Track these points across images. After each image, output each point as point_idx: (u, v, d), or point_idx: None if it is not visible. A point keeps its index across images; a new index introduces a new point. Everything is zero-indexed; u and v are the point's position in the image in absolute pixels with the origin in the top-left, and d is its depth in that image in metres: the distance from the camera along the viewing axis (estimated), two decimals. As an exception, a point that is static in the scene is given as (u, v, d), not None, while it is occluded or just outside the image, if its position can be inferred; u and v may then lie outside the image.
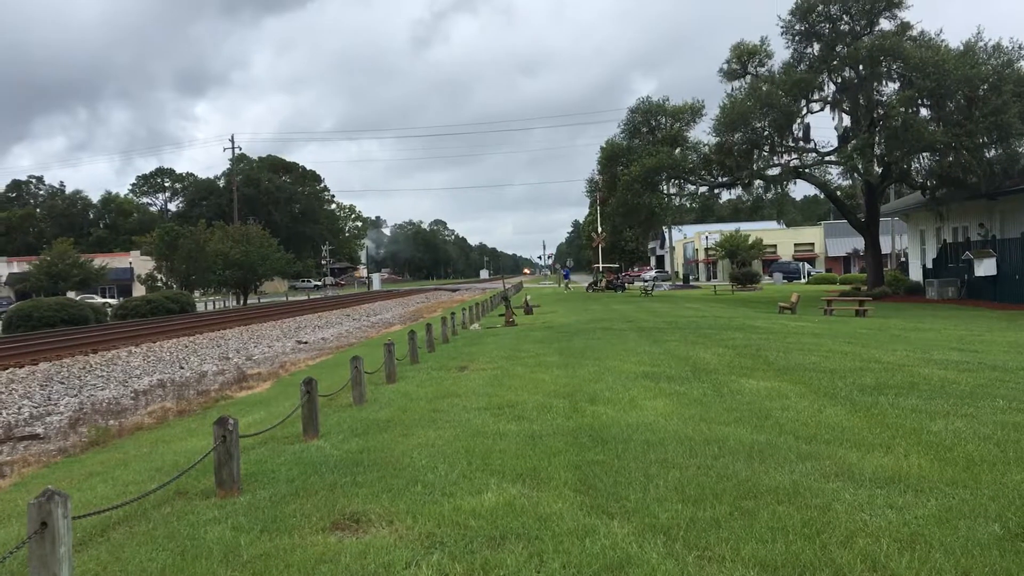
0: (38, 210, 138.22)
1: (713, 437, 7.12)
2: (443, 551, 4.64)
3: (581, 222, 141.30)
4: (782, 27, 39.88)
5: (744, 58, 41.52)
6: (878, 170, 37.53)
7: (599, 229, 67.08)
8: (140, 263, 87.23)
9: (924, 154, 36.41)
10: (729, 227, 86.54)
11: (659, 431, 7.45)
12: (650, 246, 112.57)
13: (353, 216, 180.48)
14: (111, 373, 19.11)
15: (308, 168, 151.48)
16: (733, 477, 5.81)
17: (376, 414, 9.42)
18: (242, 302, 67.99)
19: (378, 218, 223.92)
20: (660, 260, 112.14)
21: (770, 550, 4.38)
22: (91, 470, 8.40)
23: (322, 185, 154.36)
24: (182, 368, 20.13)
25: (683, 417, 8.14)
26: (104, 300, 67.16)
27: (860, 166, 36.53)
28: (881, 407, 8.38)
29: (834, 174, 40.16)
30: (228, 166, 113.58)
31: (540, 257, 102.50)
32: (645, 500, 5.36)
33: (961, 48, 34.55)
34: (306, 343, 26.33)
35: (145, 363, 21.18)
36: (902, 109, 35.12)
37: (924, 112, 36.36)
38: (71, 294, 65.02)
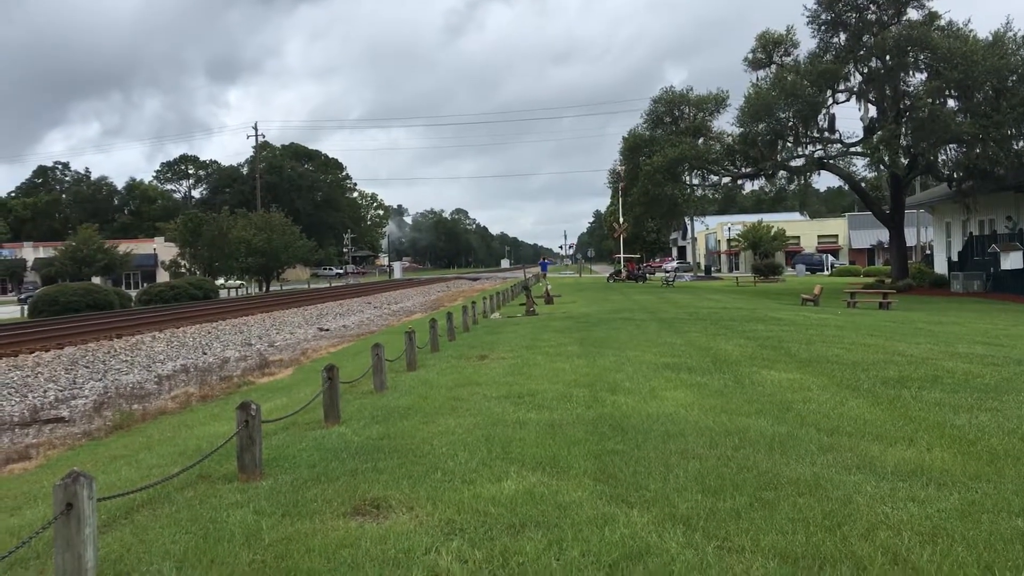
0: (63, 196, 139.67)
1: (734, 428, 7.10)
2: (463, 537, 4.65)
3: (603, 212, 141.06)
4: (808, 16, 39.45)
5: (769, 47, 41.15)
6: (904, 161, 37.13)
7: (620, 220, 66.91)
8: (164, 249, 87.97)
9: (951, 146, 35.98)
10: (751, 218, 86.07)
11: (679, 422, 7.44)
12: (671, 237, 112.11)
13: (375, 204, 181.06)
14: (135, 358, 19.30)
15: (331, 156, 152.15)
16: (754, 468, 5.79)
17: (397, 401, 9.45)
18: (264, 289, 68.43)
19: (399, 206, 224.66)
20: (682, 251, 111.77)
21: (790, 541, 4.36)
22: (115, 453, 8.50)
23: (344, 173, 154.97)
24: (204, 354, 20.31)
25: (704, 408, 8.12)
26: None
27: (886, 158, 36.16)
28: (904, 400, 8.32)
29: (859, 165, 39.81)
30: (252, 154, 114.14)
31: (561, 247, 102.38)
32: (665, 490, 5.35)
33: (990, 38, 34.06)
34: (328, 330, 26.48)
35: (168, 348, 21.39)
36: (929, 100, 34.72)
37: (951, 103, 35.93)
38: (96, 279, 65.73)
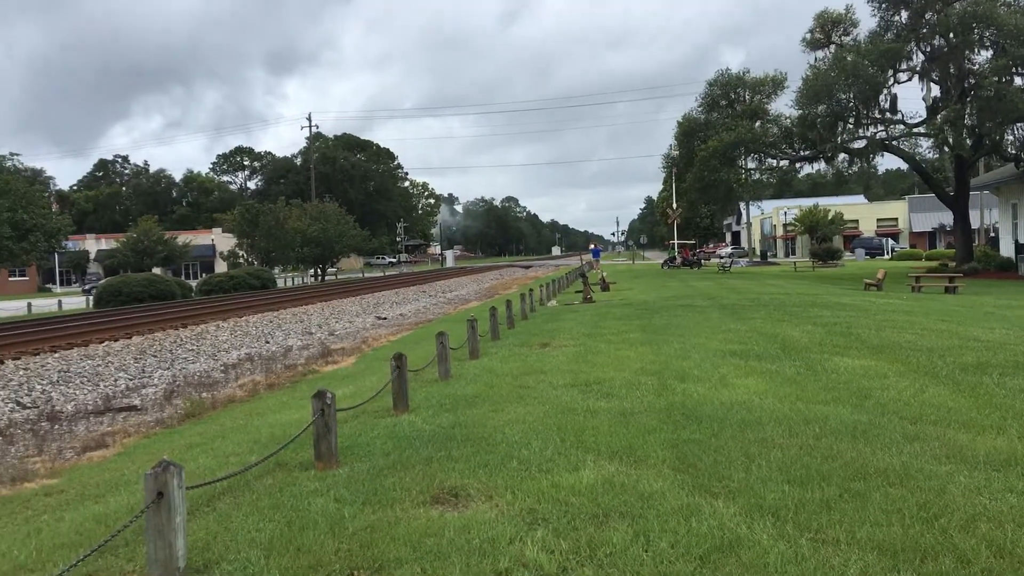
0: (124, 188, 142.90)
1: (812, 417, 6.95)
2: (546, 527, 4.61)
3: (655, 198, 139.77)
4: (868, -6, 38.55)
5: (828, 27, 40.32)
6: (969, 142, 36.11)
7: (674, 205, 66.24)
8: (221, 240, 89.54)
9: (1018, 125, 34.91)
10: (807, 202, 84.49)
11: (755, 410, 7.30)
12: (725, 222, 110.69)
13: (426, 193, 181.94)
14: (201, 347, 19.64)
15: (382, 146, 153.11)
16: (838, 458, 5.65)
17: (463, 389, 9.45)
18: (320, 279, 69.25)
19: (450, 195, 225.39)
20: (735, 236, 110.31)
21: (887, 533, 4.24)
22: (190, 441, 8.63)
23: (396, 163, 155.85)
24: (267, 343, 20.59)
25: (778, 396, 7.97)
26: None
27: (951, 138, 35.21)
28: (987, 387, 8.06)
29: (924, 147, 38.80)
30: (305, 145, 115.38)
31: (614, 234, 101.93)
32: (749, 480, 5.25)
33: (1058, 14, 32.94)
34: (385, 319, 26.67)
35: (232, 337, 21.73)
36: (995, 78, 33.69)
37: (1018, 81, 34.84)
38: (156, 270, 67.18)
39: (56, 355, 18.43)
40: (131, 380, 15.02)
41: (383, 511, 5.10)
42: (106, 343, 20.48)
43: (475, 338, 12.88)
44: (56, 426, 11.11)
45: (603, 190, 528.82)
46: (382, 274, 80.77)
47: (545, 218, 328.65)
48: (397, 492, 5.46)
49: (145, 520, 4.22)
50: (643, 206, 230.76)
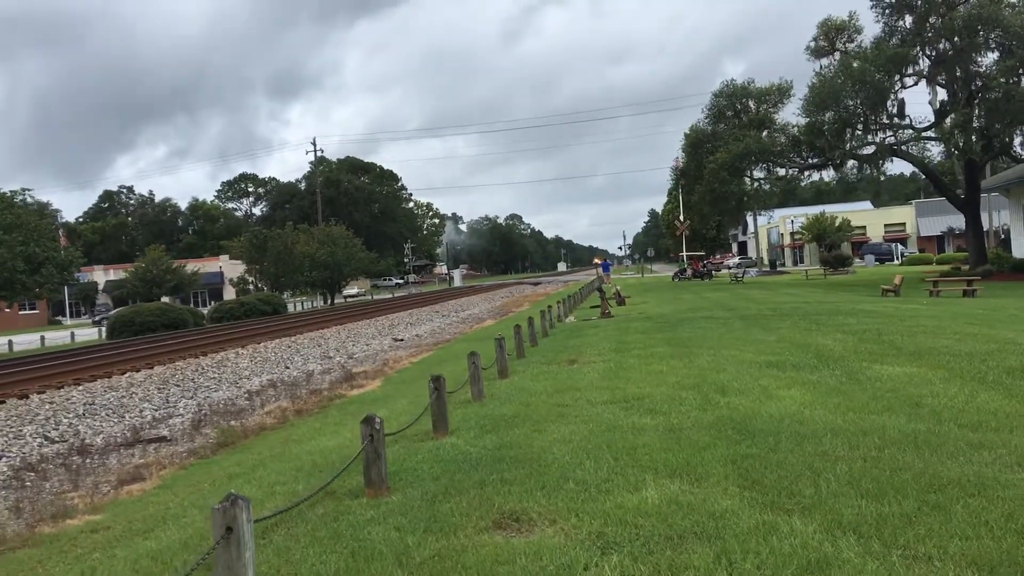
0: (129, 219, 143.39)
1: (868, 427, 6.81)
2: (620, 552, 4.48)
3: (659, 212, 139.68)
4: (872, 0, 38.57)
5: (832, 34, 40.37)
6: (978, 145, 36.00)
7: (681, 217, 66.17)
8: (229, 267, 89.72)
9: (1028, 125, 34.83)
10: (813, 210, 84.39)
11: (807, 422, 7.17)
12: (731, 232, 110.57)
13: (431, 214, 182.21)
14: (222, 375, 19.55)
15: (386, 168, 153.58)
16: (907, 469, 5.51)
17: (499, 410, 9.32)
18: (330, 302, 69.21)
19: (454, 214, 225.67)
20: (742, 246, 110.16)
21: (980, 547, 4.10)
22: (229, 471, 8.51)
23: (400, 184, 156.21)
24: (287, 368, 20.48)
25: (827, 407, 7.83)
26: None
27: (960, 142, 35.12)
28: (1039, 391, 7.92)
29: (933, 151, 38.69)
30: (309, 169, 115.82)
31: (620, 248, 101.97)
32: (820, 496, 5.11)
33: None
34: (402, 340, 26.56)
35: (252, 364, 21.63)
36: (1002, 80, 33.63)
37: (1026, 82, 34.77)
38: (165, 299, 67.21)
39: (80, 387, 18.36)
40: (156, 411, 14.92)
41: (446, 539, 4.97)
42: (128, 374, 20.41)
43: (503, 357, 12.75)
44: (87, 460, 10.99)
45: (606, 204, 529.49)
46: (391, 296, 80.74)
47: (549, 234, 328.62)
48: (456, 518, 5.33)
49: (215, 557, 4.11)
50: (647, 219, 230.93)
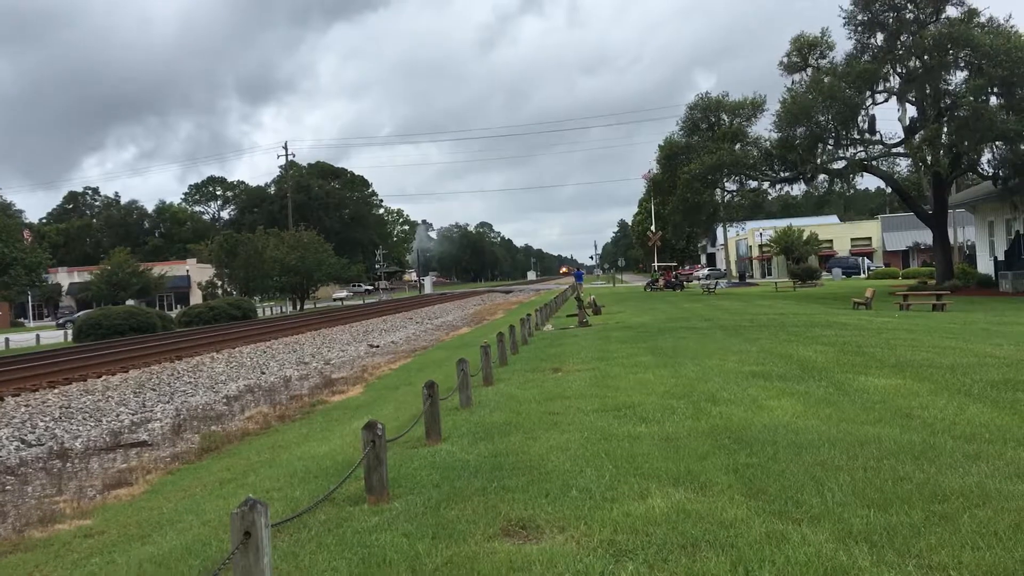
0: (94, 221, 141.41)
1: (863, 438, 6.89)
2: (636, 560, 4.49)
3: (629, 222, 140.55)
4: (844, 17, 39.17)
5: (805, 50, 40.90)
6: (946, 161, 36.65)
7: (653, 228, 66.62)
8: (197, 270, 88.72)
9: (996, 143, 35.48)
10: (781, 223, 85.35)
11: (802, 432, 7.24)
12: (700, 244, 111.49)
13: (401, 220, 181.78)
14: (198, 380, 19.32)
15: (356, 174, 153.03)
16: (909, 480, 5.59)
17: (489, 417, 9.31)
18: (299, 307, 68.73)
19: (424, 221, 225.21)
20: (711, 258, 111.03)
21: (993, 557, 4.16)
22: (220, 477, 8.41)
23: (370, 190, 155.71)
24: (263, 373, 20.30)
25: (819, 417, 7.91)
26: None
27: (928, 158, 35.74)
28: (1025, 404, 8.07)
29: (902, 166, 39.32)
30: (279, 173, 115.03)
31: (591, 257, 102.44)
32: (827, 505, 5.16)
33: (1033, 34, 33.62)
34: (378, 347, 26.44)
35: (228, 369, 21.41)
36: (971, 98, 34.26)
37: (994, 100, 35.44)
38: (130, 302, 66.30)
39: (56, 391, 18.08)
40: (134, 415, 14.70)
41: (456, 546, 4.95)
42: (104, 377, 20.12)
43: (488, 364, 12.76)
44: (68, 464, 10.80)
45: (577, 214, 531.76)
46: (362, 302, 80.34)
47: (519, 242, 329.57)
48: (463, 525, 5.32)
49: (233, 563, 4.07)
50: (616, 230, 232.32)
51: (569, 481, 6.16)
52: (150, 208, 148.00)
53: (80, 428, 13.57)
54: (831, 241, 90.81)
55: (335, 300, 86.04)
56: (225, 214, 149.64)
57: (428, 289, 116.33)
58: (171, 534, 6.16)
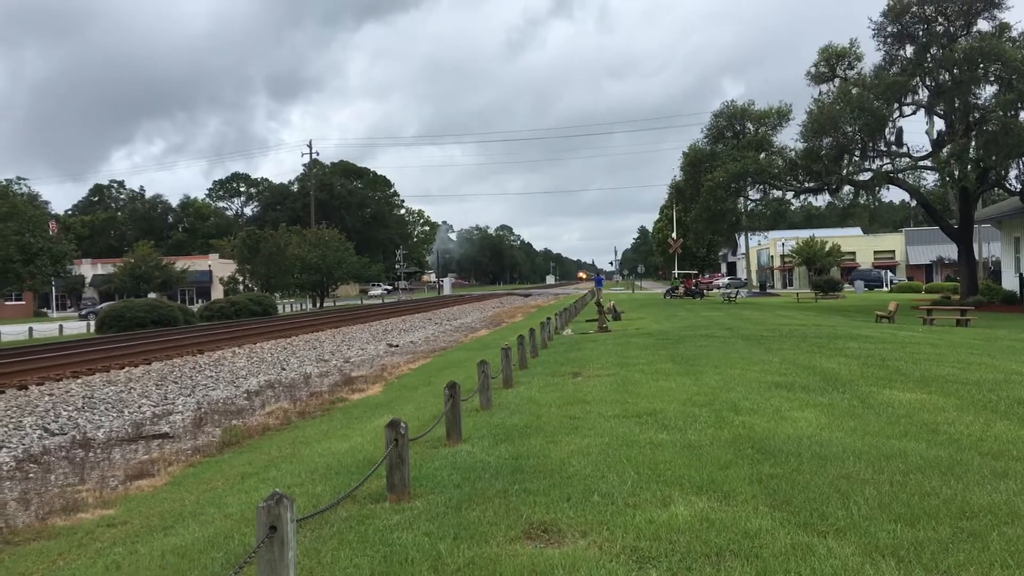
0: (119, 213, 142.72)
1: (889, 452, 6.83)
2: (659, 567, 4.47)
3: (649, 229, 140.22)
4: (873, 29, 38.93)
5: (832, 61, 40.66)
6: (974, 175, 36.32)
7: (674, 234, 66.43)
8: (219, 266, 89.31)
9: (1024, 159, 35.16)
10: (803, 233, 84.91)
11: (827, 444, 7.18)
12: (720, 252, 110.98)
13: (422, 221, 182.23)
14: (219, 374, 19.44)
15: (379, 173, 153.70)
16: (936, 495, 5.53)
17: (509, 420, 9.31)
18: (318, 305, 69.03)
19: (445, 222, 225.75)
20: (732, 267, 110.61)
21: (1023, 576, 4.12)
22: (241, 471, 8.46)
23: (392, 190, 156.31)
24: (284, 369, 20.40)
25: (844, 430, 7.85)
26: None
27: (956, 172, 35.43)
28: (1054, 423, 7.97)
29: (929, 180, 38.99)
30: (303, 171, 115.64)
31: (611, 263, 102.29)
32: (853, 518, 5.11)
33: (1066, 49, 33.26)
34: (397, 346, 26.50)
35: (249, 364, 21.53)
36: (1001, 113, 33.95)
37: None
38: (152, 295, 66.84)
39: (79, 380, 18.25)
40: (156, 407, 14.82)
41: (478, 547, 4.95)
42: (127, 369, 20.30)
43: (509, 367, 12.75)
44: (90, 454, 10.90)
45: (597, 219, 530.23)
46: (381, 302, 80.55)
47: (539, 246, 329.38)
48: (485, 527, 5.31)
49: (257, 556, 4.08)
50: (636, 236, 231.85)
51: (591, 486, 6.14)
52: (174, 203, 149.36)
53: (103, 419, 13.69)
54: (854, 253, 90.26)
55: (372, 297, 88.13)
56: (248, 210, 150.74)
57: (447, 290, 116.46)
58: (193, 526, 6.19)
